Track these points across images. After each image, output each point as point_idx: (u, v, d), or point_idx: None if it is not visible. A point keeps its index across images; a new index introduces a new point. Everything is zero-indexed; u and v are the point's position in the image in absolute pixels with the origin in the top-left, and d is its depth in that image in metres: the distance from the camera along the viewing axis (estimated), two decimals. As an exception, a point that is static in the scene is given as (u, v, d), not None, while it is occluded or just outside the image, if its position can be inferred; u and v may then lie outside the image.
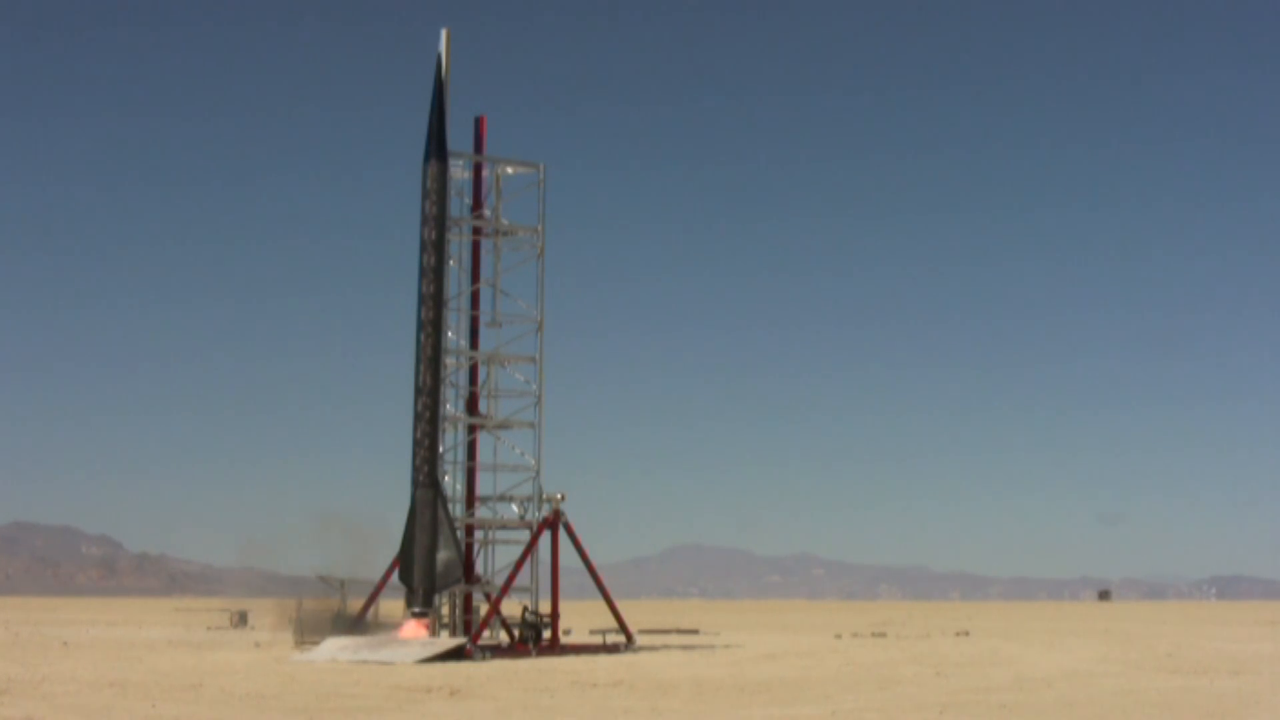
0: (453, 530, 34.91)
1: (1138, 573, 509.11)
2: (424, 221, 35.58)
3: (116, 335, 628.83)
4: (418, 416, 34.95)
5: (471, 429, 37.28)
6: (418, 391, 35.05)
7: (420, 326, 35.26)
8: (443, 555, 34.55)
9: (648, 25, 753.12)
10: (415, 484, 34.80)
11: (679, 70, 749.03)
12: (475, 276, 37.85)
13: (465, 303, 37.65)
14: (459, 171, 37.56)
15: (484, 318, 37.78)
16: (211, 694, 22.36)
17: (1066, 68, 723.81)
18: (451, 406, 36.71)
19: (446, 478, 36.18)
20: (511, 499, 37.74)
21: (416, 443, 34.89)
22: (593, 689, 23.77)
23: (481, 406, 37.58)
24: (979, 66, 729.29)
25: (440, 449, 35.47)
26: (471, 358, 37.52)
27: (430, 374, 35.13)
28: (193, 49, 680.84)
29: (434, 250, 35.48)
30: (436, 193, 35.70)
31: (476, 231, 37.93)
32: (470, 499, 37.41)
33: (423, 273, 35.43)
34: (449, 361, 36.53)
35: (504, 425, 37.70)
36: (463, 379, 37.51)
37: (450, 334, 36.53)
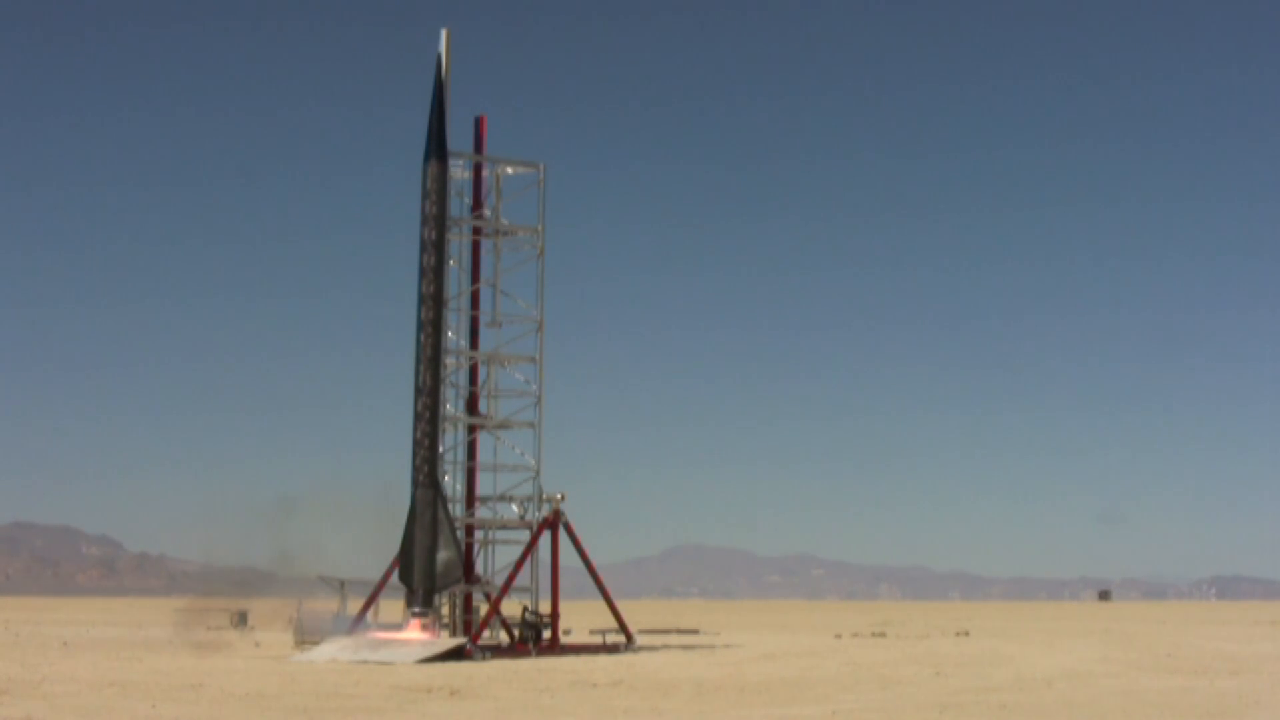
0: (453, 530, 34.91)
1: (1138, 573, 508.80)
2: (424, 221, 35.57)
3: (117, 335, 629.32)
4: (418, 416, 34.94)
5: (471, 429, 37.28)
6: (418, 391, 35.04)
7: (420, 326, 35.25)
8: (443, 555, 34.55)
9: (647, 25, 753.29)
10: (415, 484, 34.80)
11: (678, 70, 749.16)
12: (475, 276, 37.85)
13: (465, 303, 37.66)
14: (459, 171, 37.56)
15: (484, 318, 37.80)
16: (211, 694, 22.35)
17: (1067, 68, 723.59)
18: (451, 406, 36.71)
19: (446, 478, 36.19)
20: (511, 499, 37.75)
21: (416, 443, 34.89)
22: (593, 689, 23.77)
23: (481, 406, 37.58)
24: (979, 66, 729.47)
25: (440, 449, 35.47)
26: (471, 358, 37.51)
27: (430, 374, 35.12)
28: (193, 49, 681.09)
29: (434, 250, 35.48)
30: (436, 193, 35.69)
31: (476, 231, 37.93)
32: (470, 499, 37.41)
33: (423, 273, 35.42)
34: (449, 361, 36.53)
35: (504, 425, 37.71)
36: (463, 379, 37.51)
37: (450, 334, 36.53)
